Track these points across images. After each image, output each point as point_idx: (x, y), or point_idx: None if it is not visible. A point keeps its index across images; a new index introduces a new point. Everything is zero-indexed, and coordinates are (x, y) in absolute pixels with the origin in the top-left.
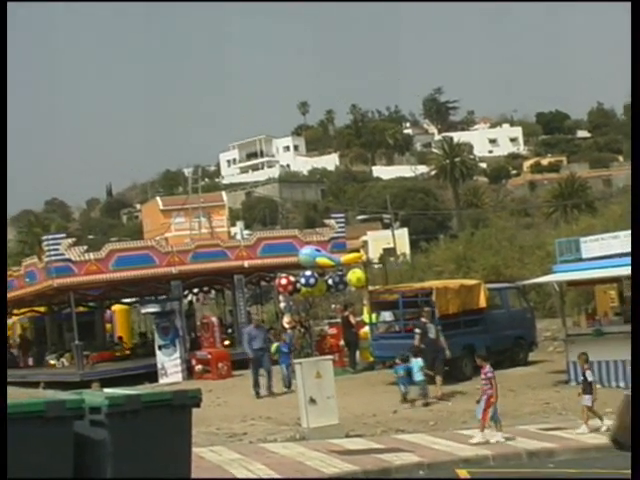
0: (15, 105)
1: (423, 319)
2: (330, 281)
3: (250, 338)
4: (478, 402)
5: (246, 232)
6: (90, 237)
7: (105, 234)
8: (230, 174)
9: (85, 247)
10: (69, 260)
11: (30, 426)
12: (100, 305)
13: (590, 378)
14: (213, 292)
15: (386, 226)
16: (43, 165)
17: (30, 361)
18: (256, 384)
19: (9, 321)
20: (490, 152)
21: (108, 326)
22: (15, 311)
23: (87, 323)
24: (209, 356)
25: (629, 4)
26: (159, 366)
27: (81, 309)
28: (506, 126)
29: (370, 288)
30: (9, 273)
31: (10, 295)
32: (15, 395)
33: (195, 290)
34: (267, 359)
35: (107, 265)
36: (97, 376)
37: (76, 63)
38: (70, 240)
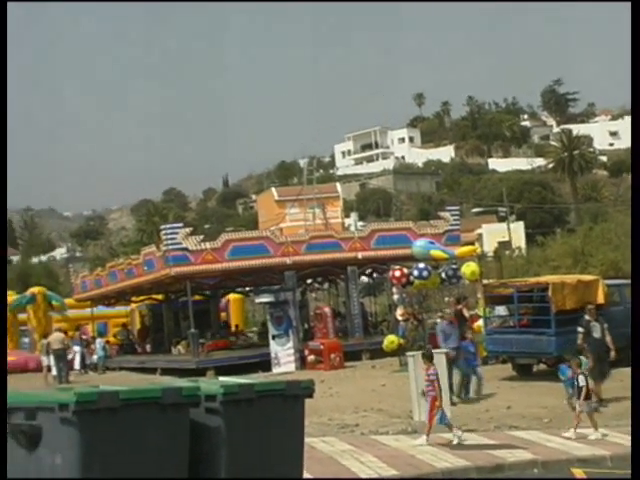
0: (138, 97)
1: (587, 317)
2: (443, 274)
3: (445, 336)
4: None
5: (360, 224)
6: (206, 226)
7: (221, 223)
8: (345, 165)
9: (202, 236)
10: (186, 249)
11: (147, 412)
12: (215, 294)
13: (582, 383)
14: (326, 283)
15: (501, 219)
16: (162, 156)
17: (148, 348)
18: (453, 387)
19: (127, 308)
20: (611, 145)
21: (223, 315)
22: (134, 298)
23: (202, 311)
24: (322, 346)
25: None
26: (272, 355)
27: (197, 297)
28: (628, 118)
29: (484, 282)
30: (128, 261)
31: (129, 283)
32: (133, 381)
33: (308, 281)
34: (463, 359)
35: (223, 255)
36: (212, 364)
37: (201, 54)
38: (187, 229)
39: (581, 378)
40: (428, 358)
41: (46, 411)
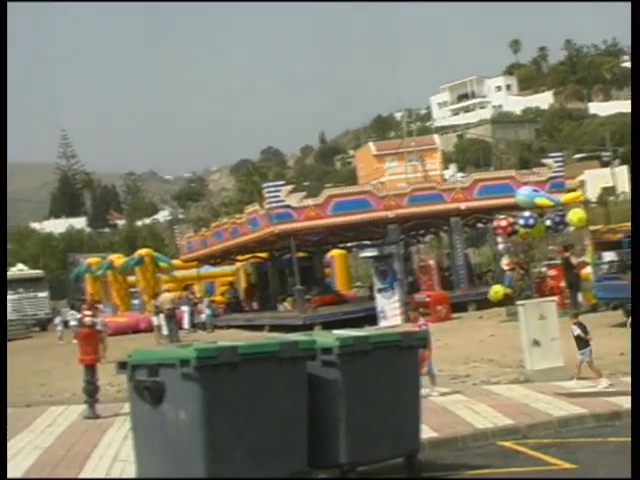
0: (235, 60)
1: None
2: (549, 222)
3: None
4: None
5: (459, 175)
6: (305, 184)
7: (319, 180)
8: (441, 117)
9: (304, 193)
10: (289, 206)
11: (265, 366)
12: (319, 250)
13: (576, 332)
14: (428, 235)
15: (604, 164)
16: (259, 115)
17: (254, 305)
18: None
19: (233, 267)
20: None
21: (327, 270)
22: (239, 257)
23: (307, 268)
24: (428, 299)
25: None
26: (378, 309)
27: (301, 254)
28: None
29: (591, 228)
30: (233, 221)
31: (234, 242)
32: (242, 338)
33: (411, 233)
34: None
35: (325, 210)
36: (319, 319)
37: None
38: (289, 187)
39: (573, 328)
40: (417, 311)
41: (168, 367)
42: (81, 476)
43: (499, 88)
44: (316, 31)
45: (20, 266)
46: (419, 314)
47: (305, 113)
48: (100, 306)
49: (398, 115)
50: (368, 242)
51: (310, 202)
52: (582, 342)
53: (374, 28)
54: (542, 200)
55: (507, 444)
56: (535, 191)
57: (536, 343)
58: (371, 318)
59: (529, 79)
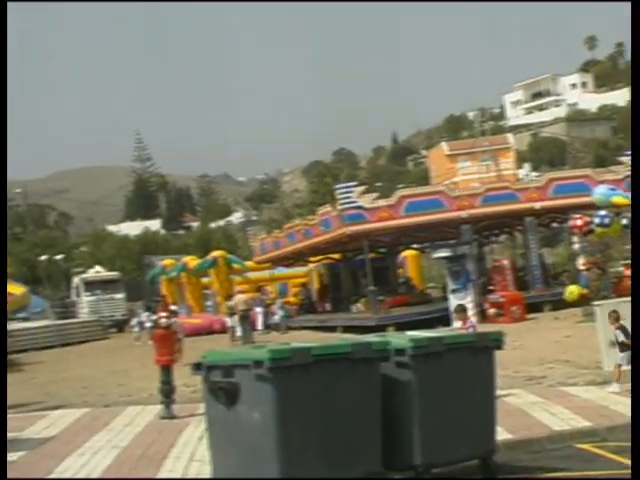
0: (303, 60)
1: None
2: (625, 220)
3: None
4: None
5: (533, 174)
6: (377, 184)
7: (392, 181)
8: (515, 116)
9: (376, 194)
10: (361, 207)
11: (339, 367)
12: (391, 251)
13: (620, 338)
14: (502, 235)
15: None
16: (331, 117)
17: (327, 306)
18: None
19: (306, 268)
20: None
21: (400, 271)
22: (312, 258)
23: (380, 269)
24: (503, 299)
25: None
26: (452, 310)
27: (373, 255)
28: None
29: None
30: (305, 222)
31: (307, 243)
32: (315, 339)
33: (485, 233)
34: None
35: (398, 211)
36: (392, 320)
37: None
38: (361, 188)
39: (617, 333)
40: (461, 311)
41: (242, 368)
42: (159, 476)
43: (574, 86)
44: (389, 30)
45: (97, 268)
46: (467, 315)
47: (377, 114)
48: (173, 307)
49: (471, 114)
50: (441, 242)
51: (383, 203)
52: (624, 346)
53: (447, 27)
54: (619, 199)
55: (585, 447)
56: (612, 189)
57: (613, 344)
58: (444, 319)
59: (605, 76)
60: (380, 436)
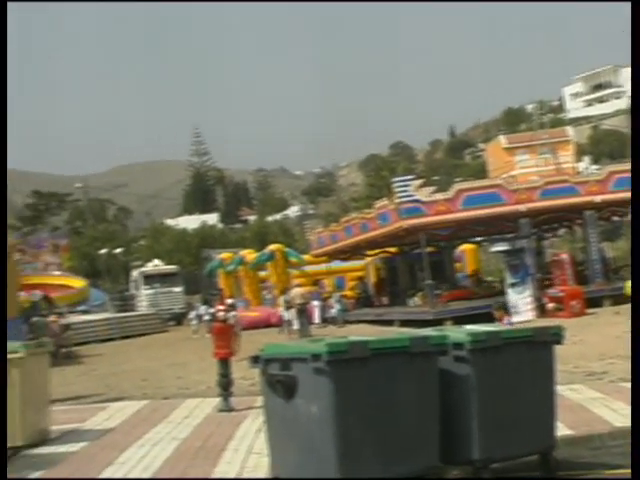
0: (358, 57)
1: None
2: None
3: None
4: None
5: (593, 167)
6: (435, 178)
7: (449, 174)
8: (574, 108)
9: (434, 188)
10: (419, 201)
11: (396, 361)
12: (449, 244)
13: None
14: (561, 229)
15: None
16: (387, 109)
17: (384, 300)
18: None
19: (362, 262)
20: None
21: (457, 265)
22: (368, 252)
23: (437, 263)
24: (562, 294)
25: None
26: (510, 304)
27: (430, 249)
28: None
29: None
30: (362, 216)
31: (364, 237)
32: (373, 333)
33: (543, 227)
34: None
35: (456, 205)
36: (449, 314)
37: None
38: (418, 181)
39: None
40: (500, 308)
41: (300, 362)
42: (217, 468)
43: None
44: (444, 23)
45: (155, 262)
46: (505, 312)
47: (434, 107)
48: (230, 300)
49: (530, 107)
50: (499, 236)
51: (440, 196)
52: None
53: (508, 18)
54: None
55: None
56: None
57: None
58: None
59: None
60: (438, 431)
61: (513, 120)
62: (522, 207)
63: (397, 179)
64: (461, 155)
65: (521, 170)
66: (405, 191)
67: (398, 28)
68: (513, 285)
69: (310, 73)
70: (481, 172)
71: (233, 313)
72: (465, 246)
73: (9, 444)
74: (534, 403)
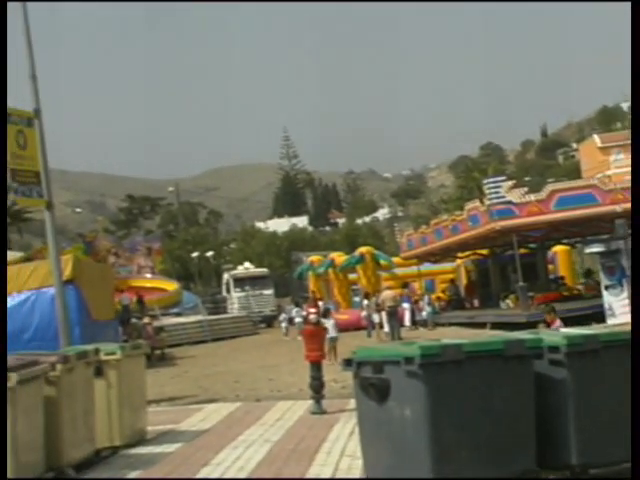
0: (448, 55)
1: None
2: None
3: None
4: None
5: None
6: (526, 179)
7: (541, 175)
8: None
9: (525, 189)
10: (510, 202)
11: (491, 364)
12: (541, 246)
13: None
14: None
15: None
16: (477, 110)
17: (475, 302)
18: None
19: (453, 264)
20: None
21: (550, 267)
22: (459, 254)
23: (529, 264)
24: None
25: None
26: (606, 306)
27: (522, 251)
28: None
29: None
30: (453, 218)
31: (454, 239)
32: (465, 335)
33: None
34: None
35: (548, 206)
36: (543, 317)
37: None
38: (510, 182)
39: None
40: (550, 312)
41: (392, 365)
42: (310, 470)
43: None
44: (541, 22)
45: (246, 264)
46: (555, 316)
47: (525, 107)
48: (324, 305)
49: (625, 105)
50: (593, 237)
51: (532, 198)
52: None
53: (602, 16)
54: None
55: None
56: None
57: None
58: (598, 315)
59: None
60: (534, 435)
61: (608, 119)
62: (618, 207)
63: (488, 180)
64: (553, 155)
65: (616, 170)
66: (496, 192)
67: (493, 27)
68: (608, 287)
69: (404, 75)
70: (574, 172)
71: (332, 322)
72: (558, 247)
73: (107, 444)
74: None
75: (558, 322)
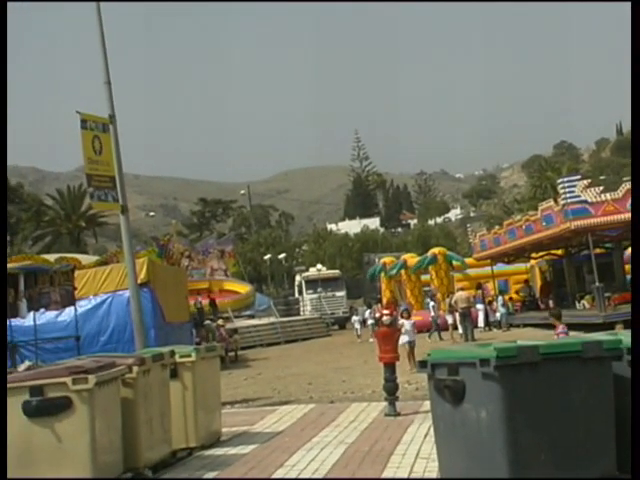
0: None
1: None
2: None
3: None
4: None
5: None
6: (601, 178)
7: (617, 174)
8: None
9: (601, 188)
10: (585, 202)
11: (568, 366)
12: (618, 246)
13: None
14: None
15: None
16: (551, 109)
17: (550, 303)
18: None
19: (526, 265)
20: None
21: (627, 267)
22: (532, 255)
23: (605, 264)
24: None
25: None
26: None
27: (598, 250)
28: None
29: None
30: (526, 218)
31: (528, 239)
32: (539, 337)
33: None
34: None
35: (625, 205)
36: (620, 317)
37: None
38: (586, 181)
39: None
40: (556, 317)
41: (468, 366)
42: (385, 472)
43: None
44: (610, 18)
45: (318, 266)
46: (559, 320)
47: (600, 104)
48: (403, 306)
49: None
50: None
51: (608, 197)
52: None
53: None
54: None
55: None
56: None
57: None
58: None
59: None
60: (614, 438)
61: None
62: None
63: (562, 179)
64: (629, 153)
65: None
66: (571, 192)
67: (568, 25)
68: None
69: (474, 76)
70: None
71: (412, 322)
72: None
73: (183, 445)
74: None
75: (561, 327)
